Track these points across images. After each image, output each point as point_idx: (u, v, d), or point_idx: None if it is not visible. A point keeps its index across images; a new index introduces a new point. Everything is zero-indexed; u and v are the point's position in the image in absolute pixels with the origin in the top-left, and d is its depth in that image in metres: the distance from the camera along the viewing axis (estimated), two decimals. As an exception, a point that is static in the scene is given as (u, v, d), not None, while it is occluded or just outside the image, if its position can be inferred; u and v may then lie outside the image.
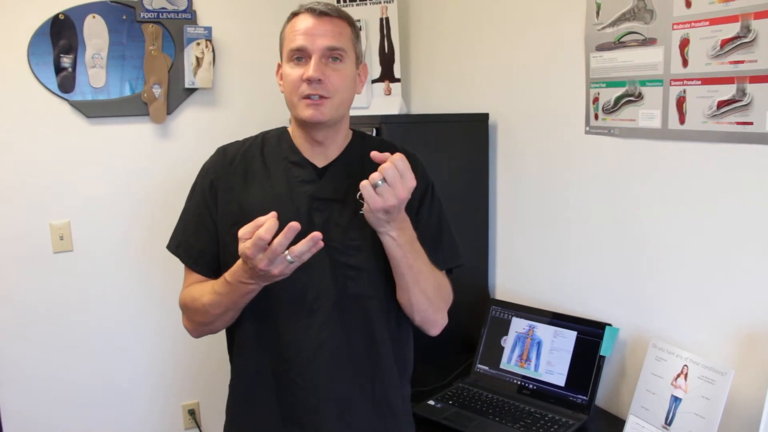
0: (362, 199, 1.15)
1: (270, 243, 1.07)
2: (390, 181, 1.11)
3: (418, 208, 1.36)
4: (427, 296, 1.30)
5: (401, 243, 1.21)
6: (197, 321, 1.33)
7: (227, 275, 1.21)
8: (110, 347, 2.50)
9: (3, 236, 2.29)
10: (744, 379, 1.44)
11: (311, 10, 1.26)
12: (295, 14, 1.29)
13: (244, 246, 1.09)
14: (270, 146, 1.36)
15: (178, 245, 1.36)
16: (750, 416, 1.43)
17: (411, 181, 1.13)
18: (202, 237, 1.33)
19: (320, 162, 1.33)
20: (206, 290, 1.27)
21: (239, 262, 1.17)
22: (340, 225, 1.28)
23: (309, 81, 1.22)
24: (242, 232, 1.09)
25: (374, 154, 1.13)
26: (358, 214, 1.26)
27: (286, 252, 1.08)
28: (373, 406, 1.33)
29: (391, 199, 1.12)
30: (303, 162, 1.32)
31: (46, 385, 2.41)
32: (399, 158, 1.12)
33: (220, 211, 1.31)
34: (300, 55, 1.24)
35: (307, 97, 1.23)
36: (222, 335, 1.40)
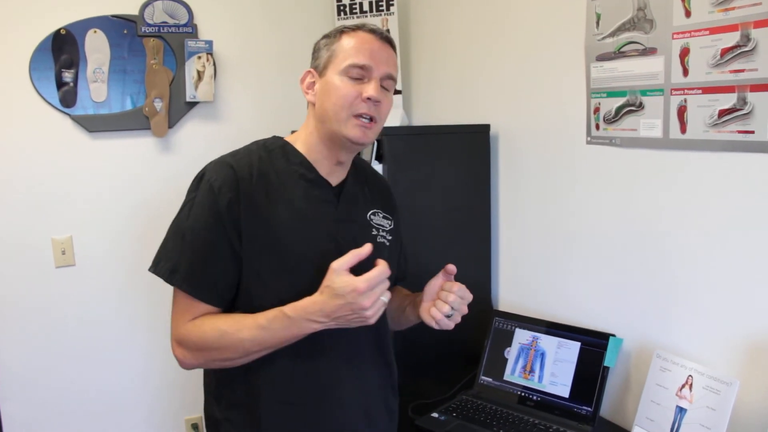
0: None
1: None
2: (457, 308, 1.29)
3: (397, 228, 1.46)
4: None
5: None
6: (217, 357, 1.19)
7: (288, 310, 1.14)
8: (113, 361, 2.50)
9: (6, 251, 2.30)
10: (749, 389, 1.43)
11: (375, 32, 1.24)
12: (353, 29, 1.25)
13: (357, 280, 1.10)
14: (278, 160, 1.27)
15: (174, 271, 1.18)
16: (756, 426, 1.42)
17: (469, 297, 1.30)
18: (217, 266, 1.18)
19: (333, 181, 1.31)
20: (246, 324, 1.16)
21: (315, 297, 1.14)
22: (359, 245, 1.19)
23: (369, 100, 1.20)
24: (337, 264, 1.11)
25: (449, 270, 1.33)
26: (371, 234, 1.34)
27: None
28: (387, 414, 1.41)
29: (458, 318, 1.30)
30: (319, 180, 1.28)
31: (49, 399, 2.40)
32: (459, 288, 1.29)
33: (245, 235, 1.18)
34: (361, 74, 1.21)
35: (360, 116, 1.21)
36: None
